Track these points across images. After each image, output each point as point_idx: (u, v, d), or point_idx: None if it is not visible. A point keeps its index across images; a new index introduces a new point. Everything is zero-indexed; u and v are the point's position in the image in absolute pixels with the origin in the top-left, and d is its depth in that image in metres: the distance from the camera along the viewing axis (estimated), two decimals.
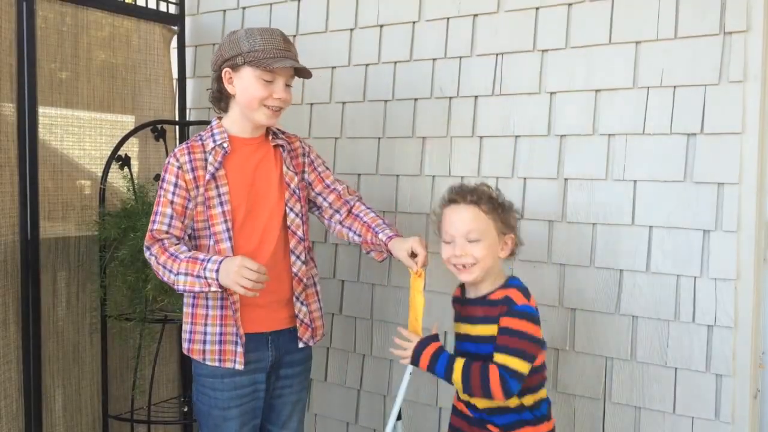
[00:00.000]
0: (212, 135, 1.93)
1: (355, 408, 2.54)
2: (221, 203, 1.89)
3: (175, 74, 2.91)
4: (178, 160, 1.89)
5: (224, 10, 2.82)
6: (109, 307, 2.51)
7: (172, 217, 1.88)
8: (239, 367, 1.89)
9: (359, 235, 2.02)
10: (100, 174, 2.58)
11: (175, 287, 1.83)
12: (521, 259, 2.17)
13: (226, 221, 1.88)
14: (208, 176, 1.88)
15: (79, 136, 2.58)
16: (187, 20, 2.92)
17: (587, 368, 2.09)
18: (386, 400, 2.46)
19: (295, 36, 2.64)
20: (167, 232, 1.88)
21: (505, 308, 1.67)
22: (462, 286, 1.87)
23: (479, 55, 2.26)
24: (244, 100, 1.89)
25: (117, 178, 2.64)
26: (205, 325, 1.91)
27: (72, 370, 2.57)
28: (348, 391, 2.56)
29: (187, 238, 1.93)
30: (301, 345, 2.01)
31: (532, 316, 1.67)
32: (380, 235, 1.96)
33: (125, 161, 2.65)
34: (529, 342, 1.65)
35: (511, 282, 1.76)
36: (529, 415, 1.73)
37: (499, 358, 1.63)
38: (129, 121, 2.75)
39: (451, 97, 2.32)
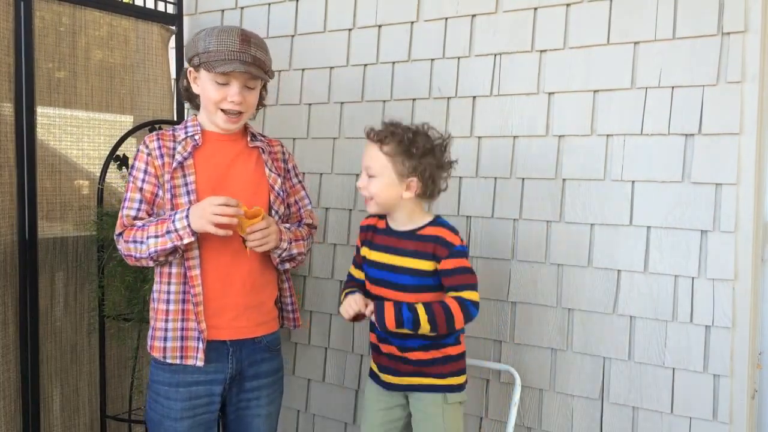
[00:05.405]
0: (185, 128, 1.92)
1: (353, 409, 2.54)
2: (188, 192, 1.83)
3: (173, 74, 2.91)
4: (147, 147, 1.86)
5: (222, 10, 2.82)
6: (107, 307, 2.50)
7: (141, 202, 1.85)
8: (200, 363, 1.82)
9: None
10: (98, 174, 2.58)
11: (147, 254, 1.78)
12: (519, 260, 2.18)
13: None
14: (175, 164, 1.83)
15: (77, 136, 2.58)
16: (185, 20, 2.91)
17: (585, 368, 2.09)
18: None
19: (293, 36, 2.64)
20: (136, 218, 1.84)
21: (446, 251, 1.78)
22: (385, 218, 1.92)
23: (477, 55, 2.26)
24: (203, 102, 1.89)
25: (115, 178, 2.63)
26: (166, 320, 1.84)
27: (70, 371, 2.57)
28: (346, 391, 2.56)
29: None
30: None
31: (467, 253, 1.84)
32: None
33: (123, 161, 2.65)
34: (473, 274, 1.80)
35: (440, 221, 1.85)
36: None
37: (462, 293, 1.76)
38: (127, 121, 2.75)
39: (449, 98, 2.31)
